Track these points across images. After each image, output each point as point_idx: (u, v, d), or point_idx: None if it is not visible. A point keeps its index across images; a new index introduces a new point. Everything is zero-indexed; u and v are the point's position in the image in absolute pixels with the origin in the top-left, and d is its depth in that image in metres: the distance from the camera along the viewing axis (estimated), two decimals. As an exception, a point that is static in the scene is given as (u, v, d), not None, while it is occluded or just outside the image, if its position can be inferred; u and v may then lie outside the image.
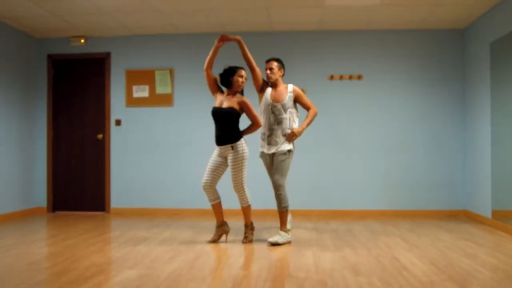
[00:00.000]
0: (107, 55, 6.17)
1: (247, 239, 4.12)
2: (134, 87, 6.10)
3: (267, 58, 5.92)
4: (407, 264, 3.33)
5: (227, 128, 4.00)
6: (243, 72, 4.09)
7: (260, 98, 4.31)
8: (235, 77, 4.05)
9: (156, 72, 6.06)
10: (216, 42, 4.09)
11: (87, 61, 6.23)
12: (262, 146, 4.27)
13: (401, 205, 5.82)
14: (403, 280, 2.91)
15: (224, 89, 4.23)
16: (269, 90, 4.25)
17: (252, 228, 4.19)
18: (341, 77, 5.89)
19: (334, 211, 5.85)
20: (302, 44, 5.96)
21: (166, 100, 6.06)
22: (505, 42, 4.66)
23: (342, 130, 5.90)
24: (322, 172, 5.90)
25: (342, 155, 5.89)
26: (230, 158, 4.00)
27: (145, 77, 6.08)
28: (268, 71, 4.26)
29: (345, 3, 4.90)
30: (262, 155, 4.29)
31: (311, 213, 5.86)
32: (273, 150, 4.17)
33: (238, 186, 4.02)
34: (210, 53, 4.11)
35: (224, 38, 4.06)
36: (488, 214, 5.02)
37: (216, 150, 4.11)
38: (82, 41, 6.14)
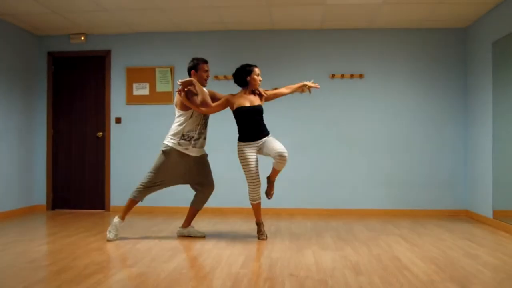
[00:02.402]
0: (107, 52, 6.15)
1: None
2: (135, 85, 6.08)
3: (268, 56, 5.95)
4: (408, 263, 3.32)
5: (262, 124, 4.18)
6: (258, 70, 4.16)
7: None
8: (252, 76, 4.11)
9: (157, 70, 6.05)
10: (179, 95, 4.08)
11: (87, 58, 6.21)
12: (186, 149, 4.10)
13: (402, 204, 5.80)
14: (404, 280, 2.90)
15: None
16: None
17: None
18: (342, 76, 5.87)
19: (335, 210, 5.84)
20: (304, 43, 5.94)
21: (166, 98, 6.05)
22: (507, 41, 4.64)
23: (343, 129, 5.88)
24: (323, 171, 5.88)
25: (342, 153, 5.87)
26: (267, 139, 4.10)
27: (146, 74, 6.07)
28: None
29: (346, 2, 4.88)
30: (181, 155, 4.10)
31: (312, 212, 5.85)
32: (200, 153, 4.24)
33: (285, 151, 4.03)
34: (188, 103, 4.04)
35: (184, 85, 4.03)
36: (489, 214, 5.01)
37: (249, 149, 4.09)
38: (82, 38, 6.12)
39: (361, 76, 5.86)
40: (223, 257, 3.54)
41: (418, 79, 5.84)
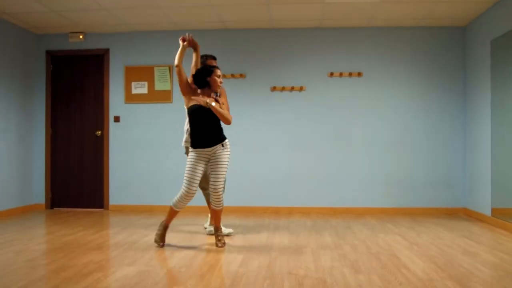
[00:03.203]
0: (106, 51, 6.14)
1: (221, 242, 3.86)
2: (133, 84, 6.07)
3: (267, 55, 5.95)
4: (406, 262, 3.32)
5: (215, 128, 3.74)
6: (219, 72, 3.79)
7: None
8: (213, 77, 3.72)
9: (155, 69, 6.04)
10: (180, 42, 3.86)
11: (85, 57, 6.20)
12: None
13: (401, 202, 5.81)
14: (402, 278, 2.91)
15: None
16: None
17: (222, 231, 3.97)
18: (341, 74, 5.87)
19: (334, 209, 5.84)
20: (302, 41, 5.94)
21: (165, 96, 6.04)
22: (506, 40, 4.64)
23: (342, 128, 5.88)
24: (322, 169, 5.88)
25: (341, 152, 5.88)
26: (217, 158, 3.73)
27: (144, 73, 6.06)
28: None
29: (345, 0, 4.87)
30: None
31: (311, 210, 5.85)
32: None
33: (221, 186, 3.75)
34: (179, 52, 3.82)
35: (190, 42, 3.89)
36: (488, 212, 5.01)
37: (195, 155, 3.73)
38: (81, 37, 6.10)
39: (360, 74, 5.86)
40: (222, 255, 3.54)
41: (417, 77, 5.84)
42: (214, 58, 4.29)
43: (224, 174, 3.77)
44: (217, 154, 3.74)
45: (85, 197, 6.18)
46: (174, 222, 5.06)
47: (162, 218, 5.37)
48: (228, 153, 3.79)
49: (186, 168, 3.73)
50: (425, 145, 5.81)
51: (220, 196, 3.77)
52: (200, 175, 3.73)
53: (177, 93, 6.02)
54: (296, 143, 5.92)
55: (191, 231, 4.56)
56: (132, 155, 6.09)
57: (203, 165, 3.76)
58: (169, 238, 4.21)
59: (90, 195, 6.18)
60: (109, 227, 4.85)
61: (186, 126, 4.27)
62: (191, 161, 3.73)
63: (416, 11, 5.22)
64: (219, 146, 3.74)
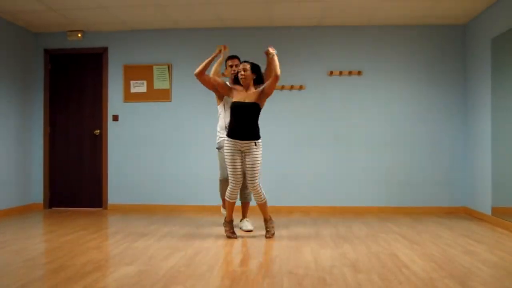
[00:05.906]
0: (105, 49, 6.12)
1: (270, 233, 4.17)
2: (132, 82, 6.05)
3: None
4: (407, 261, 3.31)
5: (253, 124, 4.04)
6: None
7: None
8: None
9: (154, 67, 6.01)
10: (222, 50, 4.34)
11: (84, 56, 6.18)
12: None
13: (401, 202, 5.80)
14: (403, 277, 2.89)
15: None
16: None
17: (272, 222, 4.25)
18: (340, 73, 5.86)
19: (334, 208, 5.83)
20: (302, 39, 5.92)
21: (164, 95, 6.02)
22: (506, 38, 4.63)
23: (342, 126, 5.87)
24: (322, 169, 5.87)
25: (341, 151, 5.86)
26: (252, 156, 3.99)
27: (143, 72, 6.04)
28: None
29: (345, -2, 4.86)
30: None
31: (311, 209, 5.84)
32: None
33: (256, 182, 4.03)
34: (208, 59, 4.17)
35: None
36: (488, 211, 5.01)
37: (230, 146, 4.02)
38: (79, 35, 6.08)
39: (359, 73, 5.84)
40: (221, 255, 3.53)
41: (417, 76, 5.83)
42: (234, 58, 4.50)
43: (259, 171, 4.04)
44: (252, 151, 4.00)
45: (84, 196, 6.16)
46: (176, 221, 5.05)
47: (160, 217, 5.36)
48: (261, 151, 4.06)
49: (226, 161, 4.07)
50: (425, 144, 5.80)
51: (259, 191, 4.05)
52: (240, 164, 4.02)
53: (176, 92, 6.00)
54: (296, 142, 5.91)
55: (190, 230, 4.54)
56: (131, 154, 6.07)
57: (239, 156, 4.02)
58: (167, 237, 4.20)
59: (89, 194, 6.16)
60: (108, 226, 4.83)
61: (221, 122, 4.45)
62: (228, 152, 4.03)
63: (416, 9, 5.21)
64: (252, 144, 4.00)
